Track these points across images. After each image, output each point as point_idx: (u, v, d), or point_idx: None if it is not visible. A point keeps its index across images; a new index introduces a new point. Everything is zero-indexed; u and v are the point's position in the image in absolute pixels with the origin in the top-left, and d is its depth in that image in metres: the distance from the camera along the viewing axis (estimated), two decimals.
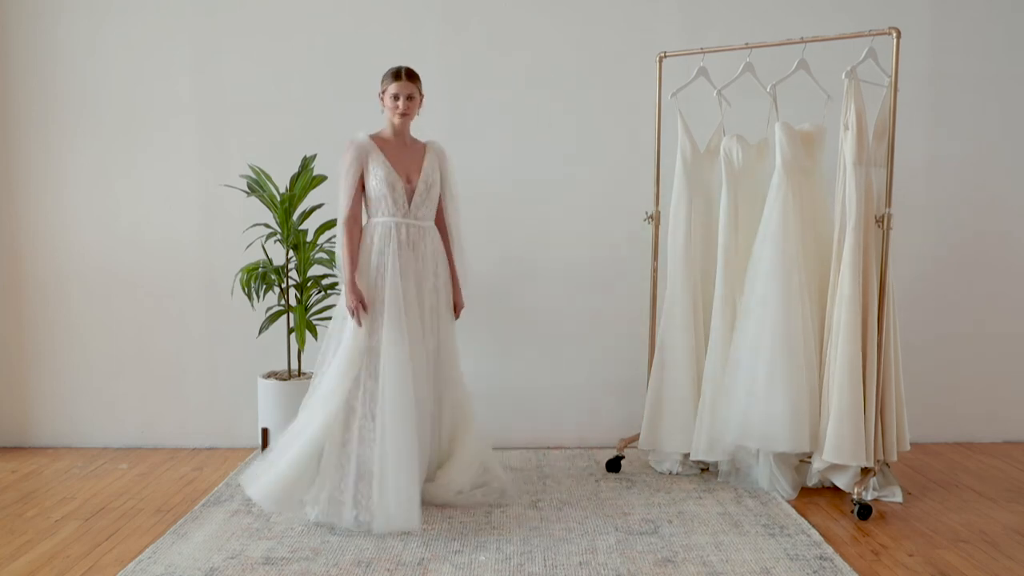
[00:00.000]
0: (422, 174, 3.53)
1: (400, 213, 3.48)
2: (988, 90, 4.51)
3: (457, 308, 3.69)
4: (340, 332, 3.47)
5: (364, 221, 3.52)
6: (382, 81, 3.55)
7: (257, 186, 4.04)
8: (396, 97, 3.50)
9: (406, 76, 3.51)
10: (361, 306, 3.40)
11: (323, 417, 3.33)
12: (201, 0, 4.41)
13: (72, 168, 4.47)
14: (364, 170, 3.48)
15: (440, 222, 3.66)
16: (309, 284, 4.03)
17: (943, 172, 4.53)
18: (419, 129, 4.45)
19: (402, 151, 3.55)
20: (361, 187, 3.49)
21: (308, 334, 3.99)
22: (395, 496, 3.24)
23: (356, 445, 3.32)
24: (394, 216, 3.48)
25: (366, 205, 3.52)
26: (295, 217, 4.01)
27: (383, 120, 3.57)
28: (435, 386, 3.57)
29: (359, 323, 3.40)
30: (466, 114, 4.46)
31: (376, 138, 3.55)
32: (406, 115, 3.52)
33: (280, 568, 3.00)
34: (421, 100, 3.58)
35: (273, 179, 4.05)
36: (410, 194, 3.50)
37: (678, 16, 4.47)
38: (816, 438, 3.66)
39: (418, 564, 3.03)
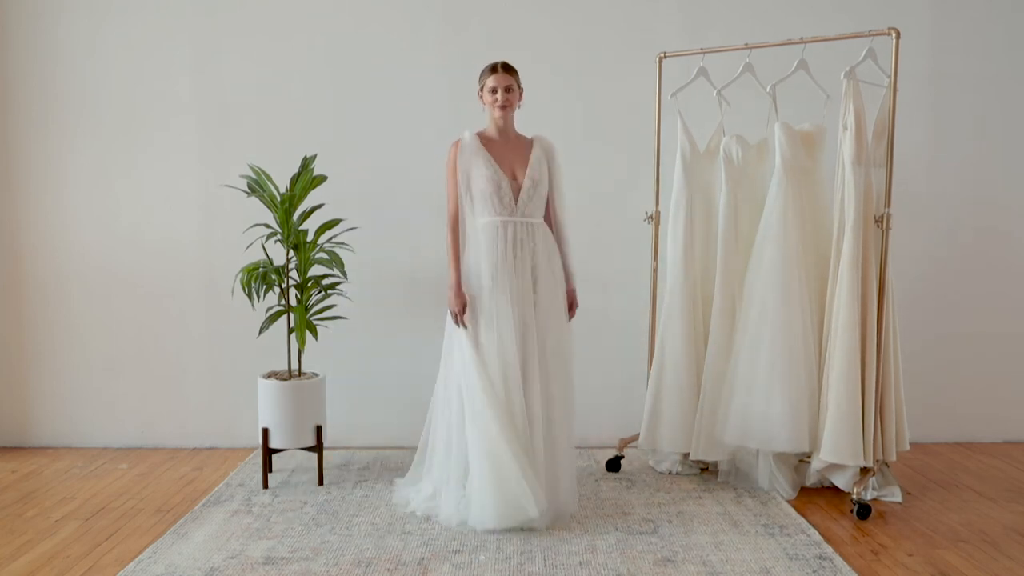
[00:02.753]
0: (528, 170, 3.45)
1: (507, 211, 3.41)
2: (988, 90, 4.51)
3: (572, 307, 3.62)
4: (450, 338, 3.51)
5: (471, 222, 3.46)
6: (480, 78, 3.50)
7: (257, 186, 4.03)
8: (494, 91, 3.43)
9: (503, 69, 3.43)
10: (462, 310, 3.40)
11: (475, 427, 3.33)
12: (201, 0, 4.42)
13: (72, 168, 4.47)
14: (469, 169, 3.42)
15: (549, 219, 3.57)
16: (309, 284, 4.02)
17: (943, 172, 4.53)
18: (420, 129, 4.46)
19: (506, 147, 3.49)
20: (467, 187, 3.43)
21: (308, 334, 3.98)
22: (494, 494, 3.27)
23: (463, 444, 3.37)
24: (501, 215, 3.41)
25: (472, 205, 3.44)
26: (295, 217, 4.00)
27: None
28: (546, 385, 3.44)
29: (464, 325, 3.40)
30: (466, 114, 4.45)
31: (481, 136, 3.50)
32: (506, 107, 3.44)
33: (280, 568, 3.00)
34: (521, 93, 3.51)
35: (273, 179, 4.05)
36: (517, 191, 3.43)
37: (678, 16, 4.46)
38: (815, 438, 3.66)
39: (418, 564, 3.03)
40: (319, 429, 3.92)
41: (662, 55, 4.09)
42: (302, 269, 4.02)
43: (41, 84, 4.43)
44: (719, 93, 4.01)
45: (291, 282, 4.06)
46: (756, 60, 3.92)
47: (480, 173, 3.40)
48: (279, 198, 3.96)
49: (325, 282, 4.07)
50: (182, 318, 4.53)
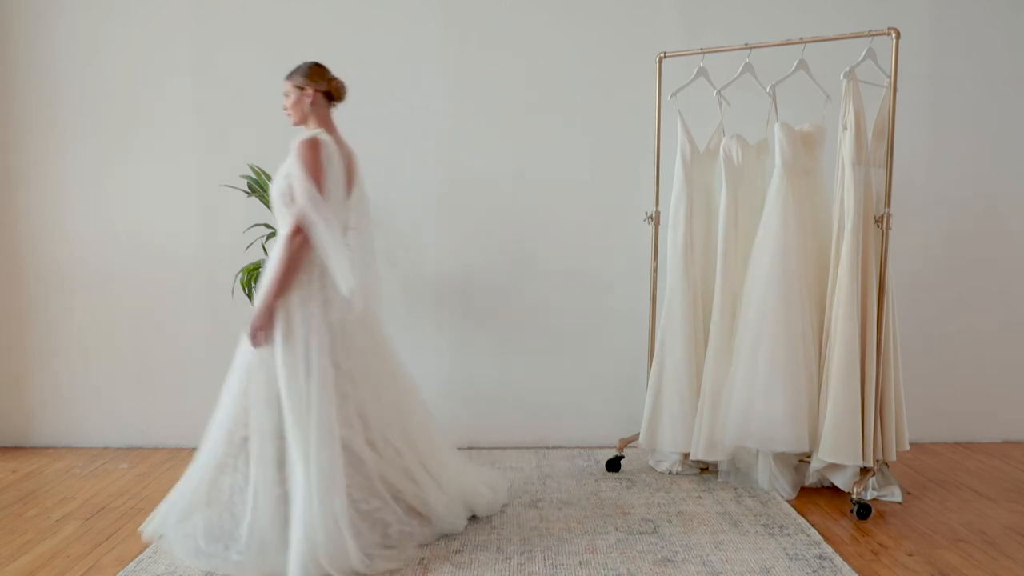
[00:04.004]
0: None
1: None
2: (988, 90, 4.51)
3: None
4: None
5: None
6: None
7: (257, 186, 4.04)
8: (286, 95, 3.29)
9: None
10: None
11: None
12: (202, 1, 4.42)
13: (73, 168, 4.47)
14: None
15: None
16: None
17: (942, 172, 4.53)
18: (418, 129, 4.46)
19: None
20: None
21: None
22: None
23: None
24: None
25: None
26: None
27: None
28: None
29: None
30: (465, 114, 4.46)
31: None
32: (286, 109, 3.28)
33: None
34: (297, 95, 3.24)
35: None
36: None
37: (678, 16, 4.46)
38: (815, 438, 3.66)
39: (418, 564, 3.03)
40: None
41: (662, 55, 4.09)
42: None
43: (42, 84, 4.43)
44: (719, 93, 4.01)
45: None
46: (756, 60, 3.92)
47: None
48: None
49: None
50: (182, 318, 4.53)
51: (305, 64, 3.28)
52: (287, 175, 3.08)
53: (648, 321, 4.24)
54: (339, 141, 3.22)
